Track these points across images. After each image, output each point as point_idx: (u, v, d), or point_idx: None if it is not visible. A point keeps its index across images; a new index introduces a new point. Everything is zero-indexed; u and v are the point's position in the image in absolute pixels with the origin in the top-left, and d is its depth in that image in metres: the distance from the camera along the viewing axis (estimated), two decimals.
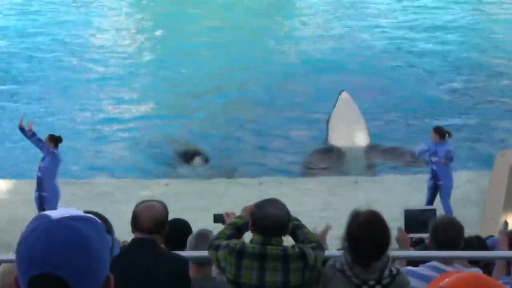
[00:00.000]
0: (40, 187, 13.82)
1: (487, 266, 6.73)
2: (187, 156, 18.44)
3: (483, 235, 8.65)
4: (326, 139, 19.09)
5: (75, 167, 18.02)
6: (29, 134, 13.74)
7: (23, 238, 1.92)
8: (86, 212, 2.01)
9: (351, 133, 18.75)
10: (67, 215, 1.94)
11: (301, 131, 20.08)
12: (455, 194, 14.37)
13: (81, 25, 30.68)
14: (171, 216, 5.33)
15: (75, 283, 1.88)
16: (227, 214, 5.78)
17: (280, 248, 4.59)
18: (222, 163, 18.37)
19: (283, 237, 4.71)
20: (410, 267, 5.21)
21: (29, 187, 14.56)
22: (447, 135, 14.07)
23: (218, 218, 6.07)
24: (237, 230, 4.95)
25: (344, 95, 19.36)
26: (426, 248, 6.40)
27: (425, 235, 7.47)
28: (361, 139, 18.86)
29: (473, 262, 6.09)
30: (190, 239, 5.62)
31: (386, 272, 4.38)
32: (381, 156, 18.54)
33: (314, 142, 19.36)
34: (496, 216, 13.15)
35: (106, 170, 18.12)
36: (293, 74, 24.62)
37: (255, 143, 19.64)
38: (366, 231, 4.35)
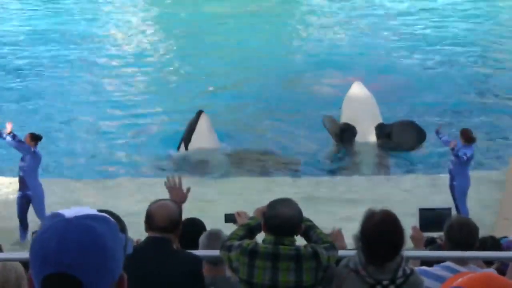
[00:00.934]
0: (23, 186, 13.62)
1: (501, 266, 6.70)
2: None
3: (498, 235, 8.61)
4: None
5: (86, 166, 18.05)
6: (10, 137, 13.43)
7: (37, 236, 1.93)
8: (99, 211, 2.01)
9: (364, 111, 18.65)
10: (81, 214, 1.95)
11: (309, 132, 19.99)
12: (469, 194, 14.31)
13: (86, 20, 30.81)
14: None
15: (88, 282, 1.88)
16: (238, 214, 5.78)
17: (292, 247, 4.58)
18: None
19: (295, 237, 4.71)
20: (424, 267, 5.20)
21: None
22: (472, 139, 14.04)
23: (229, 218, 6.06)
24: (250, 231, 4.95)
25: (357, 83, 19.37)
26: (439, 247, 6.38)
27: (437, 235, 7.45)
28: (374, 117, 18.79)
29: (488, 263, 6.07)
30: (201, 238, 5.62)
31: (400, 272, 4.38)
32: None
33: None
34: (511, 217, 13.10)
35: (125, 169, 18.04)
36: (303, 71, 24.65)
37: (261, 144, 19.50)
38: (380, 231, 4.35)
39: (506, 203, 13.88)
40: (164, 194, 5.78)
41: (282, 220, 4.59)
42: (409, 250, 5.42)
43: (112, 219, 1.99)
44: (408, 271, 4.42)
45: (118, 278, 1.97)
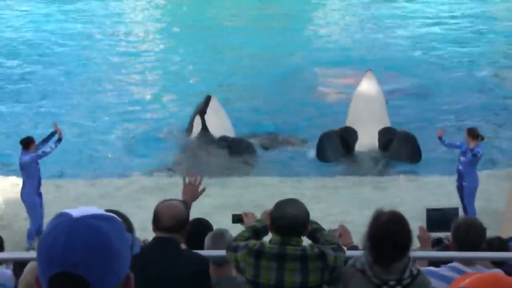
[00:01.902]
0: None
1: (509, 268, 6.69)
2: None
3: (504, 236, 8.59)
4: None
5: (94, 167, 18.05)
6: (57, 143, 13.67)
7: (44, 236, 1.94)
8: (107, 210, 2.02)
9: (371, 112, 18.49)
10: (87, 213, 1.96)
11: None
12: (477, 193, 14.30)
13: (85, 17, 30.88)
14: None
15: (95, 281, 1.89)
16: (246, 214, 5.78)
17: (299, 248, 4.58)
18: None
19: (302, 238, 4.71)
20: (431, 268, 5.19)
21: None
22: (479, 137, 14.02)
23: (236, 218, 6.07)
24: (256, 233, 4.95)
25: (369, 76, 18.98)
26: (446, 248, 6.37)
27: (443, 235, 7.44)
28: (381, 119, 18.63)
29: (495, 264, 6.05)
30: (207, 239, 5.63)
31: (407, 273, 4.37)
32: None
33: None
34: None
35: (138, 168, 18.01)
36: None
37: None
38: (387, 232, 4.34)
39: None
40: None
41: (289, 220, 4.58)
42: (416, 250, 5.41)
43: (119, 219, 2.00)
44: (415, 272, 4.42)
45: (125, 277, 1.98)
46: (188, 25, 30.60)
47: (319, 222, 5.01)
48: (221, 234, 5.62)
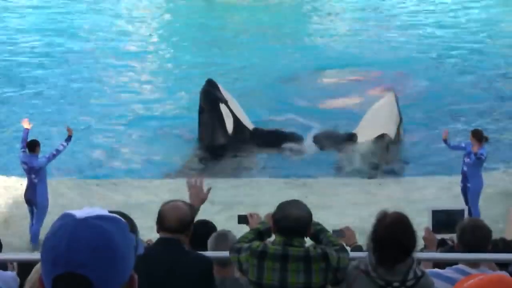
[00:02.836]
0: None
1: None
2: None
3: (509, 237, 8.57)
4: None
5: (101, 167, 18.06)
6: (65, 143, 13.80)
7: (48, 236, 1.94)
8: (110, 211, 2.02)
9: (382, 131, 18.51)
10: (91, 214, 1.96)
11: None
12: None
13: (98, 18, 30.90)
14: None
15: (99, 282, 1.89)
16: (251, 215, 5.79)
17: (302, 249, 4.58)
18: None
19: (305, 239, 4.71)
20: (436, 269, 5.18)
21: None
22: (484, 139, 14.01)
23: (242, 219, 6.08)
24: (259, 235, 4.96)
25: (389, 96, 19.09)
26: (450, 249, 6.36)
27: (448, 236, 7.43)
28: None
29: (500, 265, 6.04)
30: (210, 240, 5.64)
31: (411, 274, 4.37)
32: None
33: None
34: None
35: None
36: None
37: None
38: (392, 234, 4.34)
39: None
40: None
41: (291, 221, 4.58)
42: (420, 252, 5.41)
43: (123, 220, 2.00)
44: (419, 274, 4.41)
45: (129, 278, 1.98)
46: (190, 26, 30.64)
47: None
48: (224, 235, 5.63)
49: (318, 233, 4.87)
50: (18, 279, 5.64)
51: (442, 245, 7.22)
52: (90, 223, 1.93)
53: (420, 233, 5.17)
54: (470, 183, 14.04)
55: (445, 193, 15.26)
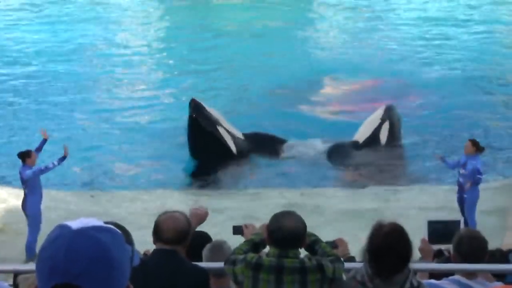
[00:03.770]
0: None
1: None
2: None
3: (505, 248, 8.57)
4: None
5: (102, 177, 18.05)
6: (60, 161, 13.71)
7: (44, 247, 1.94)
8: (106, 222, 2.02)
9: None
10: (87, 225, 1.96)
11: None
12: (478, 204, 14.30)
13: (98, 23, 30.96)
14: None
15: None
16: (246, 226, 5.78)
17: (297, 260, 4.56)
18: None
19: (300, 250, 4.69)
20: (432, 280, 5.17)
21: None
22: (479, 150, 14.04)
23: (237, 230, 6.06)
24: (254, 246, 4.94)
25: (392, 107, 19.40)
26: (447, 260, 6.35)
27: (444, 247, 7.42)
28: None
29: (497, 276, 6.04)
30: (204, 251, 5.62)
31: (407, 285, 4.35)
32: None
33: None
34: None
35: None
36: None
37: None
38: (388, 244, 4.32)
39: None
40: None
41: (286, 232, 4.56)
42: (417, 262, 5.40)
43: (118, 231, 2.00)
44: (416, 284, 4.40)
45: None
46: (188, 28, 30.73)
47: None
48: (220, 245, 5.61)
49: (313, 244, 4.85)
50: None
51: (439, 256, 7.21)
52: (87, 234, 1.93)
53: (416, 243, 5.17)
54: (466, 193, 14.07)
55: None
